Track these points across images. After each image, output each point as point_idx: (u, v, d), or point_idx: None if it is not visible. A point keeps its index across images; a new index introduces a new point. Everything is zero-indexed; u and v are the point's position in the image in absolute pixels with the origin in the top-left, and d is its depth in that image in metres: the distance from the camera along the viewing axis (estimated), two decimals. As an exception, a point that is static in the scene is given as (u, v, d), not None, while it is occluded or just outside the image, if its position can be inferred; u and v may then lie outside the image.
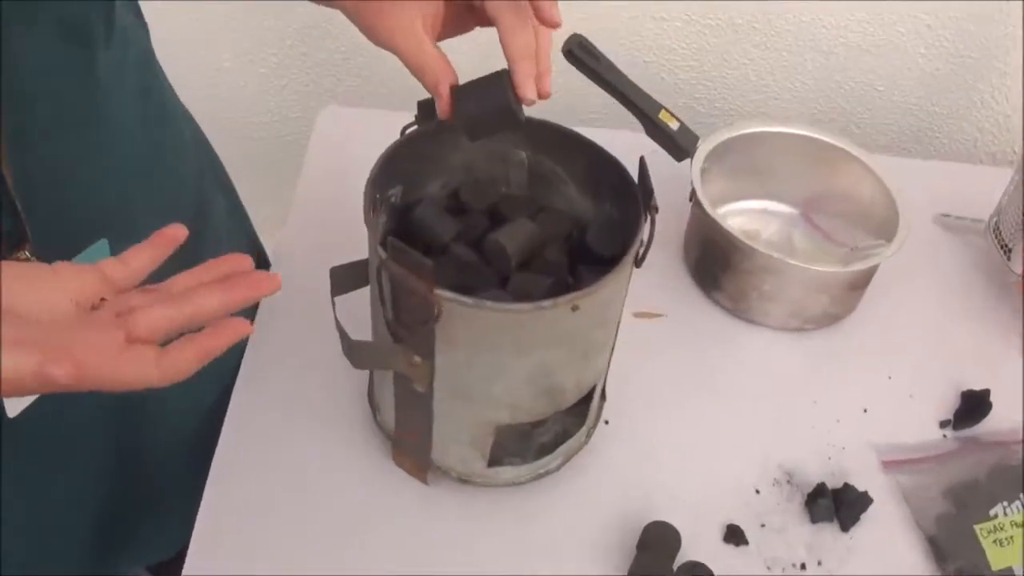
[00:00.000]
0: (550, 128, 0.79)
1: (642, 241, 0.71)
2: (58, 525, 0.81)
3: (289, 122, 1.50)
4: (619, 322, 0.78)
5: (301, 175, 1.11)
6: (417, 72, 0.67)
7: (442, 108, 0.67)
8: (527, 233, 0.76)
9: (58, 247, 0.65)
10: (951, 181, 1.21)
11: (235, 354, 0.91)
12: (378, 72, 1.42)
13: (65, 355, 0.48)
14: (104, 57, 0.65)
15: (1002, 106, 1.36)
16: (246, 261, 0.58)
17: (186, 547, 0.79)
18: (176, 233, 0.58)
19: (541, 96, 0.67)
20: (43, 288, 0.52)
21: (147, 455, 0.87)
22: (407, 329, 0.68)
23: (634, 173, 0.74)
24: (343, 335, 0.72)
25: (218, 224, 0.91)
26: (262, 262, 1.08)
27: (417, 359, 0.69)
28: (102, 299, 0.54)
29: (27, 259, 0.62)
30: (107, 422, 0.80)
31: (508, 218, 0.80)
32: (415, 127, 0.76)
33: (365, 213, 0.70)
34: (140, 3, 0.79)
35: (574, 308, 0.66)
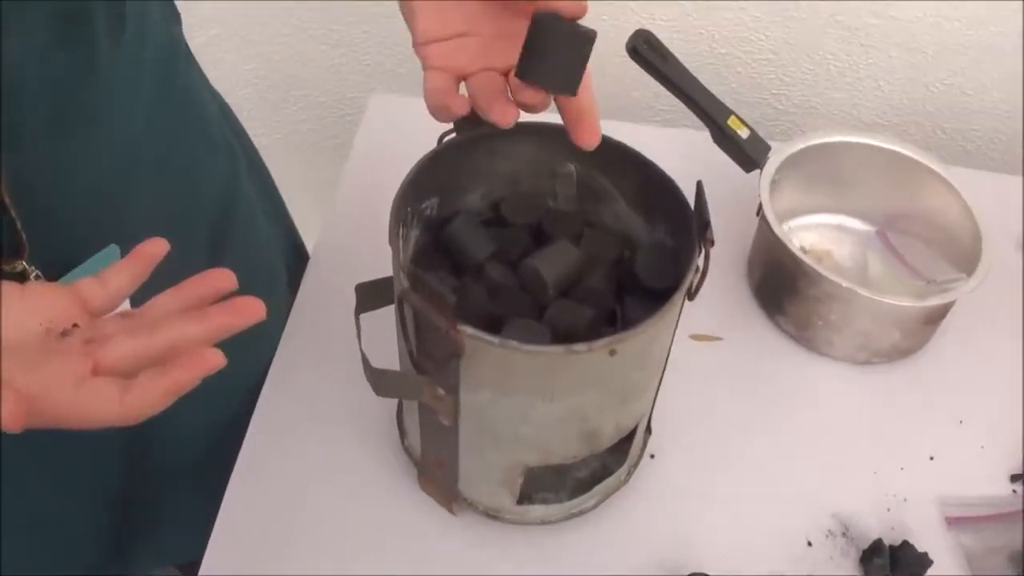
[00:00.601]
0: (604, 141, 0.71)
1: (697, 269, 0.64)
2: (61, 531, 0.78)
3: (346, 102, 1.45)
4: (667, 360, 0.71)
5: (346, 167, 1.06)
6: None
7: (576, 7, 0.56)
8: (569, 259, 0.69)
9: (61, 256, 0.61)
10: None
11: (255, 366, 0.86)
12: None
13: (10, 392, 0.43)
14: (110, 54, 0.60)
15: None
16: (228, 280, 0.53)
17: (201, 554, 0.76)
18: (156, 249, 0.53)
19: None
20: (9, 312, 0.47)
21: (157, 464, 0.83)
22: (431, 361, 0.62)
23: (689, 185, 0.67)
24: (365, 361, 0.66)
25: (249, 222, 0.86)
26: (301, 256, 1.03)
27: (441, 392, 0.64)
28: (74, 324, 0.49)
29: (24, 269, 0.58)
30: (116, 431, 0.76)
31: (551, 236, 0.73)
32: (453, 135, 0.70)
33: (391, 232, 0.64)
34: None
35: (612, 352, 0.59)
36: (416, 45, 0.62)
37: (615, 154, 0.71)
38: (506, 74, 0.62)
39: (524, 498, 0.73)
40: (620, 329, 0.70)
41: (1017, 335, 0.97)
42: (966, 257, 0.91)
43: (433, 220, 0.74)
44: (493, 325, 0.67)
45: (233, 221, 0.82)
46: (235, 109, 0.93)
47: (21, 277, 0.58)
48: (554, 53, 0.57)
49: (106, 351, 0.47)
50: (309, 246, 1.04)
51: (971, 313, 0.95)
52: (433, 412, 0.67)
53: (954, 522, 0.82)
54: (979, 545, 0.81)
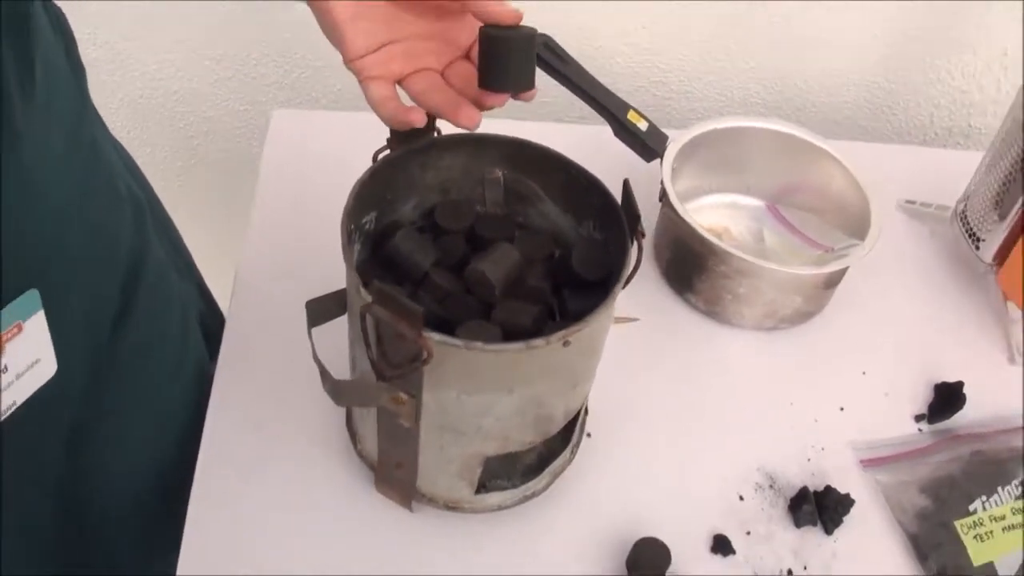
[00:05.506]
0: (528, 147, 0.77)
1: (631, 265, 0.69)
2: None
3: (237, 115, 1.46)
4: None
5: (258, 186, 1.08)
6: None
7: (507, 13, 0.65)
8: (510, 260, 0.74)
9: None
10: (912, 165, 1.21)
11: (189, 389, 0.89)
12: (328, 62, 1.38)
13: None
14: (22, 109, 0.60)
15: (957, 81, 1.37)
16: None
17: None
18: None
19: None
20: None
21: (100, 497, 0.83)
22: (393, 368, 0.66)
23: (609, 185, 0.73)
24: (324, 373, 0.70)
25: (159, 274, 0.87)
26: (213, 313, 1.05)
27: (403, 396, 0.68)
28: None
29: None
30: (53, 467, 0.77)
31: (486, 239, 0.78)
32: (387, 152, 0.73)
33: (344, 249, 0.67)
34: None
35: (566, 343, 0.64)
36: (348, 62, 0.67)
37: (541, 159, 0.76)
38: (441, 72, 0.69)
39: (481, 487, 0.78)
40: (560, 320, 0.76)
41: (904, 289, 1.07)
42: (855, 223, 0.99)
43: (371, 234, 0.77)
44: (445, 329, 0.71)
45: (144, 273, 0.83)
46: (118, 130, 0.92)
47: None
48: (507, 60, 0.65)
49: None
50: (223, 263, 1.06)
51: (861, 274, 1.04)
52: (393, 415, 0.70)
53: (868, 464, 0.90)
54: (893, 480, 0.89)
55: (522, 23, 0.66)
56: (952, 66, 1.35)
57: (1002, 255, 1.00)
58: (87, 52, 0.80)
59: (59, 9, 0.75)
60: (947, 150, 1.40)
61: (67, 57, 0.74)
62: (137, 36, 1.34)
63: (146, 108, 1.44)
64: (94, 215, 0.74)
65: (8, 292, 0.63)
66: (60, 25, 0.74)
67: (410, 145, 0.74)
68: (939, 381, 0.97)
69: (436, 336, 0.62)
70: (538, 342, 0.63)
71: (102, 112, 0.84)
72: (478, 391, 0.67)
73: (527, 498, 0.81)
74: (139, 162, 0.94)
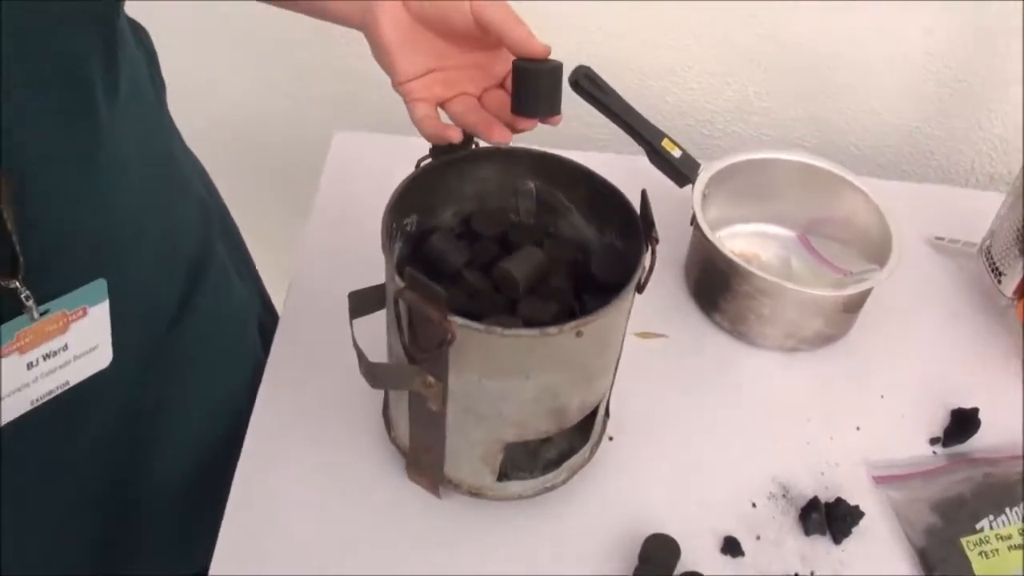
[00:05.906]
0: (557, 160, 0.83)
1: (644, 268, 0.75)
2: (50, 554, 0.84)
3: (299, 135, 1.54)
4: (622, 345, 0.82)
5: (316, 199, 1.16)
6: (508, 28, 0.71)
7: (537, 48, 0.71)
8: (535, 261, 0.81)
9: (54, 282, 0.68)
10: (947, 204, 1.26)
11: (242, 387, 0.96)
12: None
13: None
14: (107, 116, 0.68)
15: (999, 128, 1.40)
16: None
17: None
18: None
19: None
20: None
21: (138, 505, 0.89)
22: (423, 352, 0.72)
23: (638, 202, 0.79)
24: (361, 357, 0.76)
25: (221, 274, 0.94)
26: (271, 314, 1.13)
27: (431, 380, 0.74)
28: None
29: (17, 287, 0.64)
30: (104, 453, 0.83)
31: (517, 245, 0.84)
32: (429, 160, 0.81)
33: (383, 242, 0.74)
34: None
35: (578, 334, 0.70)
36: (396, 85, 0.76)
37: (569, 171, 0.83)
38: (478, 98, 0.76)
39: (503, 476, 0.83)
40: (582, 319, 0.82)
41: (927, 320, 1.11)
42: (879, 252, 1.04)
43: (412, 235, 0.84)
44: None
45: (207, 271, 0.90)
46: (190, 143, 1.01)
47: (13, 295, 0.64)
48: (536, 89, 0.73)
49: None
50: (280, 268, 1.14)
51: (886, 302, 1.08)
52: (423, 399, 0.77)
53: (880, 480, 0.94)
54: (904, 497, 0.92)
55: (551, 57, 0.73)
56: (993, 114, 1.39)
57: (1022, 289, 1.04)
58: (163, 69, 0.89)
59: (141, 25, 0.84)
60: (979, 191, 1.43)
61: (148, 67, 0.83)
62: (213, 62, 1.45)
63: (219, 124, 1.53)
64: (166, 216, 0.82)
65: (81, 276, 0.71)
66: (141, 38, 0.83)
67: (448, 156, 0.81)
68: (955, 407, 1.00)
69: (459, 320, 0.68)
70: (552, 330, 0.69)
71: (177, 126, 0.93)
72: (497, 375, 0.73)
73: (546, 490, 0.87)
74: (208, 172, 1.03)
